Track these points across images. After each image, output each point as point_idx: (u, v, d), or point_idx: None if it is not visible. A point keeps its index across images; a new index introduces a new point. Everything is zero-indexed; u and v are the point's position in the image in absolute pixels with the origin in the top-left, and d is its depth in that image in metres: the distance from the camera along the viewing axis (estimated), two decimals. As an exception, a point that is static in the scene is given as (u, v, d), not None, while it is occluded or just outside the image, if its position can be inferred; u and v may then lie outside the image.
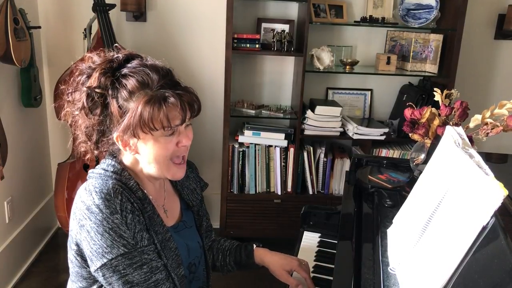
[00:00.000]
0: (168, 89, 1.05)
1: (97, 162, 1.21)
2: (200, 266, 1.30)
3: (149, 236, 1.07)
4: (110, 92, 1.05)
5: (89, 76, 1.08)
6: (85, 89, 1.06)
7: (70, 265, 1.14)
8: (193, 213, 1.32)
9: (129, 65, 1.08)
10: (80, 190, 1.08)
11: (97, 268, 1.03)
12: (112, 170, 1.11)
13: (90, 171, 1.14)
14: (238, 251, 1.41)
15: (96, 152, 1.13)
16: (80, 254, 1.08)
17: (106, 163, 1.13)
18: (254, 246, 1.41)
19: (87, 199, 1.03)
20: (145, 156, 1.10)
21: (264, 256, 1.38)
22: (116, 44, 1.18)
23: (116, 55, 1.10)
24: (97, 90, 1.05)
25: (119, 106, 1.04)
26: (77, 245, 1.07)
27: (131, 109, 1.03)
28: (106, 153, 1.15)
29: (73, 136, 1.15)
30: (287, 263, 1.34)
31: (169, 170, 1.12)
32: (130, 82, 1.04)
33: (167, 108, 1.03)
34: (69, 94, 1.10)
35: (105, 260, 1.01)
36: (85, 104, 1.06)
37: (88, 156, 1.15)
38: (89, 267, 1.06)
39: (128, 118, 1.03)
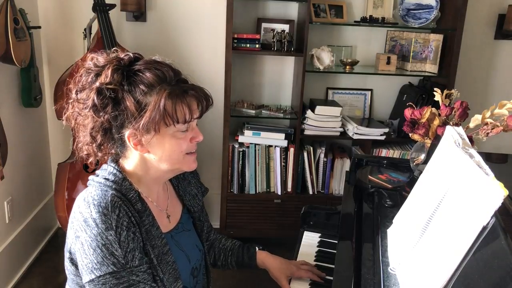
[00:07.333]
0: (183, 84, 1.08)
1: (97, 163, 1.19)
2: (201, 269, 1.30)
3: (141, 256, 1.05)
4: (125, 87, 1.03)
5: (98, 74, 1.06)
6: (96, 86, 1.03)
7: (66, 271, 1.15)
8: (194, 219, 1.32)
9: (139, 62, 1.08)
10: (79, 199, 1.07)
11: (86, 282, 1.03)
12: (112, 179, 1.09)
13: (90, 177, 1.13)
14: (241, 252, 1.43)
15: (99, 154, 1.11)
16: (74, 263, 1.09)
17: (108, 171, 1.11)
18: (257, 249, 1.43)
19: (85, 211, 1.03)
20: (159, 153, 1.09)
21: (265, 259, 1.42)
22: (115, 48, 1.16)
23: (124, 54, 1.09)
24: (109, 86, 1.03)
25: (136, 101, 1.03)
26: (72, 253, 1.08)
27: (152, 102, 1.03)
28: (109, 157, 1.13)
29: (76, 138, 1.12)
30: (286, 268, 1.39)
31: (185, 163, 1.13)
32: (148, 77, 1.04)
33: (188, 101, 1.06)
34: (76, 93, 1.07)
35: (93, 276, 1.01)
36: (95, 101, 1.03)
37: (90, 159, 1.13)
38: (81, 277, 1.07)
39: (150, 111, 1.03)
